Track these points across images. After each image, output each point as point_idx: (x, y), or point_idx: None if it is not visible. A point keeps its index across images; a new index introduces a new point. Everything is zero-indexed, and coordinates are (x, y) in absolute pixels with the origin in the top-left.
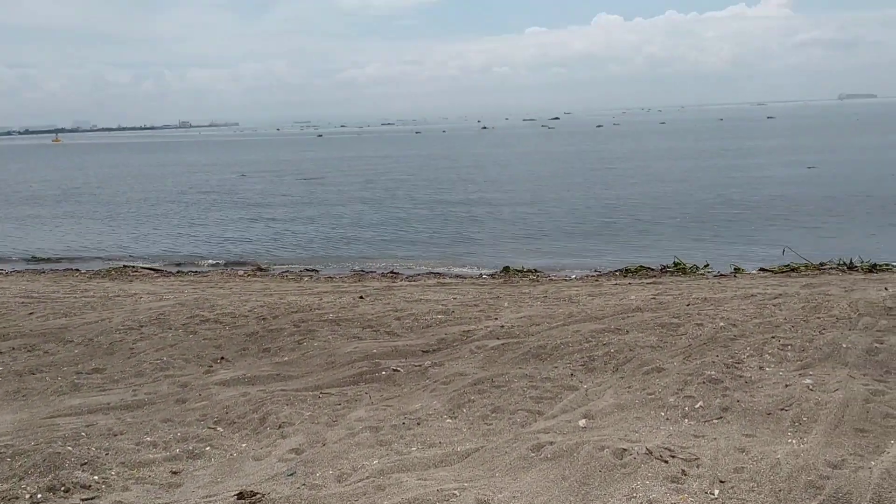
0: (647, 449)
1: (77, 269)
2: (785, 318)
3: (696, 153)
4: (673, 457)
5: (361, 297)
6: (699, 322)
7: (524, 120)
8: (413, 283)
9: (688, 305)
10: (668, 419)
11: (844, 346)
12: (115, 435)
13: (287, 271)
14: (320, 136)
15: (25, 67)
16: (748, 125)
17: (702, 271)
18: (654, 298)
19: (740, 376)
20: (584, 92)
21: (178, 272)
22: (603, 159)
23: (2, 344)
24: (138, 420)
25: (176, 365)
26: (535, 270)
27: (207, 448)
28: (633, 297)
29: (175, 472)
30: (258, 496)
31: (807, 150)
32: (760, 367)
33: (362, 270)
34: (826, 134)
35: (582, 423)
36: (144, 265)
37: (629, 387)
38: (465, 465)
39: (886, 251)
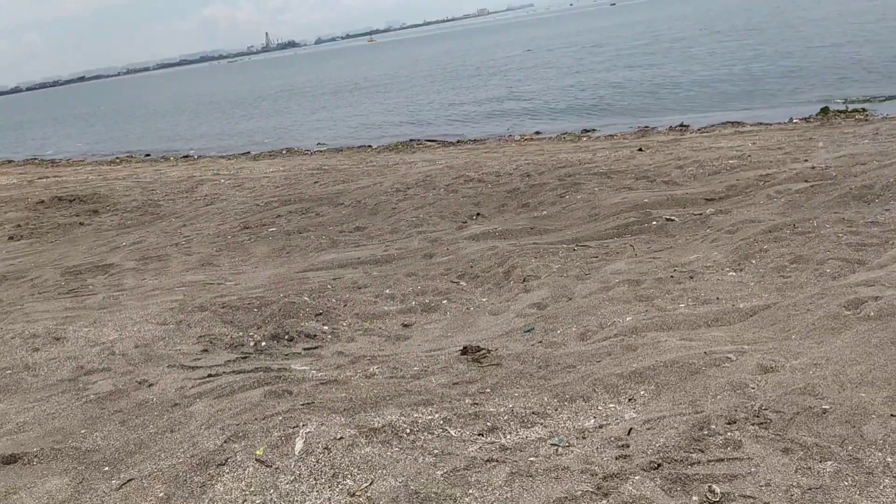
0: None
1: (369, 146)
2: None
3: None
4: None
5: (640, 150)
6: None
7: None
8: (704, 133)
9: None
10: None
11: None
12: (359, 288)
13: (564, 133)
14: (613, 4)
15: None
16: None
17: None
18: None
19: None
20: None
21: (456, 142)
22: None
23: (283, 208)
24: (384, 274)
25: (431, 221)
26: (864, 109)
27: (444, 301)
28: None
29: (406, 325)
30: (483, 352)
31: None
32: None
33: (646, 126)
34: None
35: None
36: (426, 138)
37: None
38: (748, 324)
39: None
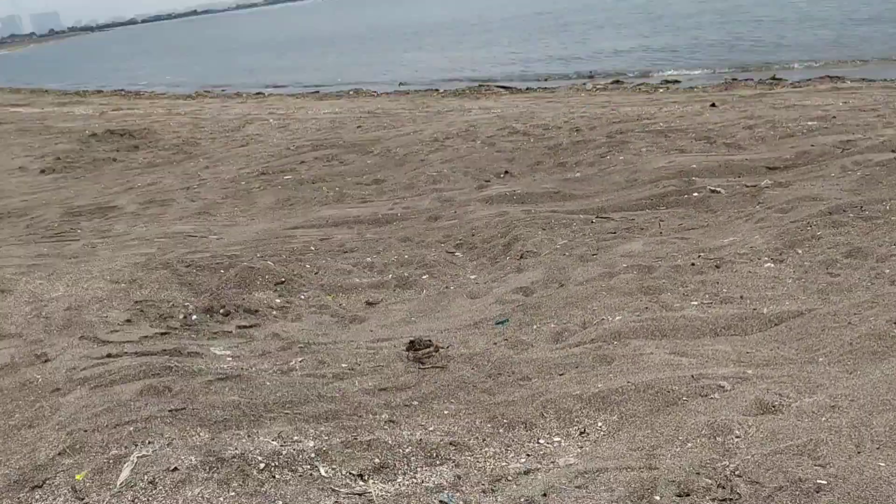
0: None
1: (437, 90)
2: None
3: None
4: None
5: (713, 105)
6: None
7: None
8: (797, 88)
9: None
10: None
11: None
12: (344, 252)
13: (644, 83)
14: None
15: None
16: None
17: None
18: None
19: None
20: None
21: (527, 89)
22: None
23: (311, 154)
24: (377, 237)
25: (452, 178)
26: None
27: (425, 276)
28: None
29: (370, 304)
30: (431, 349)
31: None
32: None
33: (734, 79)
34: None
35: None
36: (499, 84)
37: None
38: (766, 336)
39: None
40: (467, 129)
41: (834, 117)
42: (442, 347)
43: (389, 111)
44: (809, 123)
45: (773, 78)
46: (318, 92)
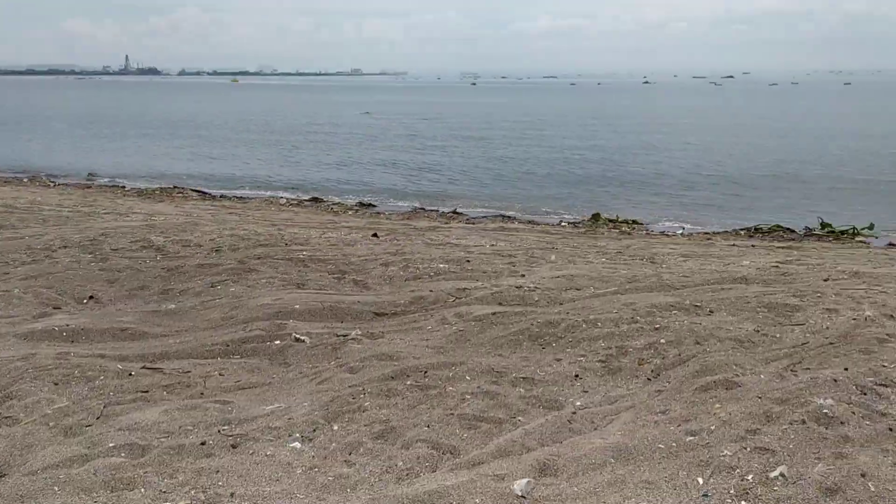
0: None
1: (122, 186)
2: None
3: (876, 112)
4: None
5: (374, 235)
6: (832, 306)
7: (693, 77)
8: (469, 224)
9: (825, 280)
10: (706, 499)
11: None
12: None
13: (338, 204)
14: (474, 84)
15: (219, 12)
16: None
17: (862, 236)
18: (776, 266)
19: (885, 415)
20: (766, 52)
21: (221, 196)
22: (759, 116)
23: None
24: None
25: (15, 301)
26: (634, 221)
27: None
28: (746, 262)
29: None
30: None
31: None
32: None
33: (422, 208)
34: None
35: (521, 486)
36: (195, 188)
37: (662, 412)
38: None
39: None
40: (95, 238)
41: (468, 262)
42: None
43: (40, 206)
44: (441, 266)
45: (455, 212)
46: None
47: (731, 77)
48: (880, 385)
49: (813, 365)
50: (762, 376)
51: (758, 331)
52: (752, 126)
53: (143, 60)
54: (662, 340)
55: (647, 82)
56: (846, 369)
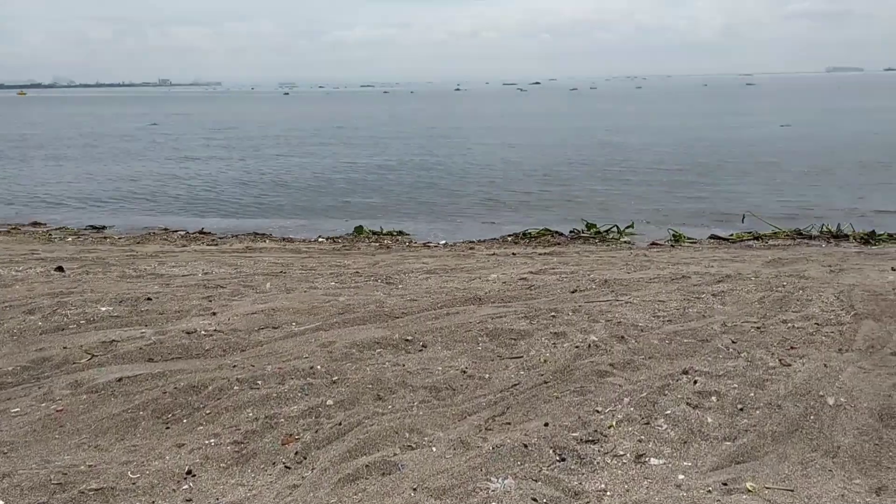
0: None
1: None
2: (725, 323)
3: (665, 114)
4: None
5: (59, 269)
6: (562, 329)
7: (504, 84)
8: (209, 246)
9: (573, 292)
10: None
11: (830, 398)
12: None
13: (63, 227)
14: (286, 93)
15: (2, 20)
16: (729, 91)
17: (625, 238)
18: (524, 279)
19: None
20: (571, 59)
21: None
22: (557, 115)
23: None
24: None
25: None
26: (400, 233)
27: None
28: (494, 275)
29: None
30: None
31: (783, 113)
32: (638, 459)
33: (166, 228)
34: (806, 99)
35: None
36: None
37: None
38: None
39: (883, 218)
40: None
41: (149, 299)
42: None
43: None
44: (104, 309)
45: (202, 231)
46: None
47: (539, 83)
48: (586, 441)
49: (516, 417)
50: (439, 447)
51: (465, 371)
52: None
53: None
54: (330, 402)
55: (458, 89)
56: (546, 424)
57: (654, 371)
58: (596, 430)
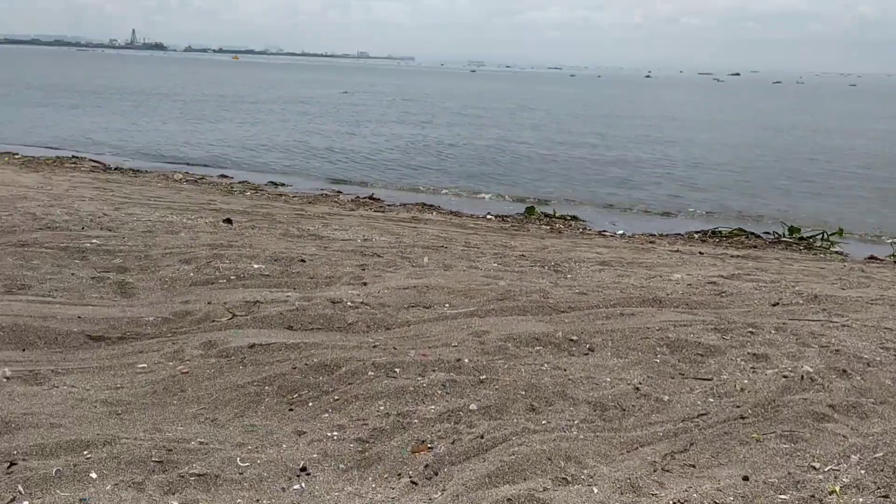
0: None
1: (16, 154)
2: None
3: (881, 116)
4: None
5: (227, 221)
6: (763, 350)
7: (699, 74)
8: (376, 213)
9: (774, 305)
10: None
11: None
12: None
13: (244, 182)
14: (473, 71)
15: None
16: None
17: (837, 247)
18: (714, 283)
19: None
20: (777, 51)
21: (115, 168)
22: (758, 111)
23: None
24: None
25: None
26: (574, 217)
27: None
28: (678, 275)
29: None
30: None
31: None
32: None
33: (339, 192)
34: None
35: None
36: (94, 158)
37: None
38: None
39: None
40: None
41: (303, 261)
42: None
43: None
44: (256, 267)
45: (371, 197)
46: None
47: (738, 74)
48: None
49: (702, 459)
50: (601, 487)
51: (639, 388)
52: (734, 123)
53: (152, 36)
54: (474, 406)
55: (648, 76)
56: (746, 479)
57: (892, 423)
58: (813, 496)
